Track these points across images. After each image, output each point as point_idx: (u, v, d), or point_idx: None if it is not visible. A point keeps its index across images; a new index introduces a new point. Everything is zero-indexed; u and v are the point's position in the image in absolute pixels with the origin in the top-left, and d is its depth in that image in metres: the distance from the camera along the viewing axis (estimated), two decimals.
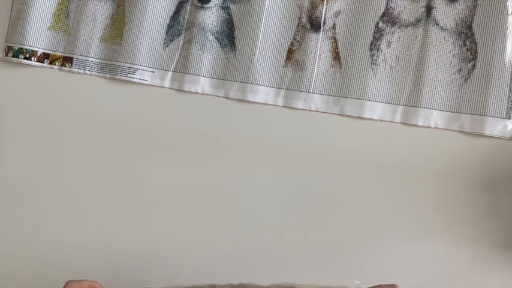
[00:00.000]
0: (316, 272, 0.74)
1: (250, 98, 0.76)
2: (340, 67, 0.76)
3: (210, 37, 0.78)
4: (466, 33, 0.73)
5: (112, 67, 0.79)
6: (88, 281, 0.64)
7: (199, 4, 0.78)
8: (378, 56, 0.75)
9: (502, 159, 0.71)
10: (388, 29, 0.75)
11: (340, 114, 0.75)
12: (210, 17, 0.78)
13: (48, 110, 0.79)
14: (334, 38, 0.76)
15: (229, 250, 0.74)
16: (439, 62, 0.73)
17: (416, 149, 0.73)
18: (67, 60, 0.79)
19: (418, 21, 0.74)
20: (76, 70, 0.79)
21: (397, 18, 0.75)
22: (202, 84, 0.77)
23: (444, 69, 0.73)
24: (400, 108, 0.74)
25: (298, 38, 0.77)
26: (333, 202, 0.74)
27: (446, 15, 0.73)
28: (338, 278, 0.73)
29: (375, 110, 0.74)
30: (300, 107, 0.76)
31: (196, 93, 0.77)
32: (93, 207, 0.77)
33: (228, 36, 0.78)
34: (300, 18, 0.77)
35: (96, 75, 0.79)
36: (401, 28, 0.75)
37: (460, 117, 0.72)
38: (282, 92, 0.76)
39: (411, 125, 0.73)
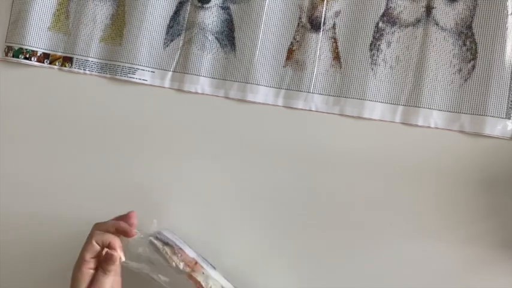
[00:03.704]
0: (315, 272, 0.74)
1: (250, 98, 0.76)
2: (340, 67, 0.76)
3: (210, 37, 0.78)
4: (466, 33, 0.73)
5: (112, 67, 0.79)
6: (112, 221, 0.66)
7: (199, 4, 0.78)
8: (377, 56, 0.75)
9: (502, 159, 0.71)
10: (388, 29, 0.75)
11: (340, 114, 0.75)
12: (210, 17, 0.78)
13: (48, 110, 0.79)
14: (334, 38, 0.76)
15: (228, 249, 0.74)
16: (439, 62, 0.73)
17: (416, 149, 0.73)
18: (67, 60, 0.79)
19: (418, 21, 0.74)
20: (76, 70, 0.79)
21: (397, 18, 0.75)
22: (202, 84, 0.77)
23: (444, 69, 0.73)
24: (400, 108, 0.74)
25: (298, 38, 0.77)
26: (332, 202, 0.74)
27: (446, 15, 0.73)
28: (337, 278, 0.73)
29: (375, 110, 0.74)
30: (300, 107, 0.76)
31: (196, 93, 0.77)
32: (93, 207, 0.77)
33: (228, 36, 0.78)
34: (300, 18, 0.77)
35: (96, 75, 0.79)
36: (401, 28, 0.75)
37: (460, 117, 0.72)
38: (282, 92, 0.76)
39: (411, 125, 0.73)
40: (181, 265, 0.67)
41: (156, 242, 0.68)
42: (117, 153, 0.78)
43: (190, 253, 0.69)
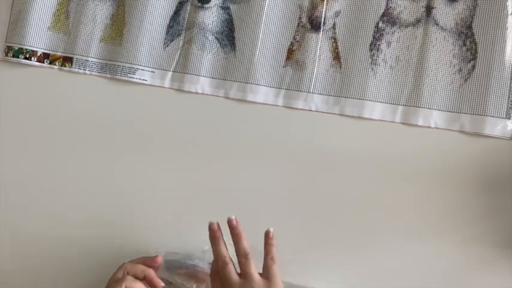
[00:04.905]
0: (315, 272, 0.74)
1: (250, 98, 0.76)
2: (340, 67, 0.76)
3: (210, 37, 0.78)
4: (466, 33, 0.73)
5: (112, 67, 0.79)
6: (142, 267, 0.65)
7: (199, 4, 0.78)
8: (377, 56, 0.75)
9: (502, 159, 0.71)
10: (388, 29, 0.75)
11: (340, 114, 0.75)
12: (210, 17, 0.78)
13: (48, 110, 0.79)
14: (334, 38, 0.76)
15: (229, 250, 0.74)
16: (439, 62, 0.73)
17: (416, 149, 0.73)
18: (67, 60, 0.79)
19: (418, 21, 0.74)
20: (76, 70, 0.79)
21: (397, 18, 0.75)
22: (202, 84, 0.77)
23: (444, 69, 0.73)
24: (400, 108, 0.74)
25: (298, 38, 0.77)
26: (332, 202, 0.74)
27: (446, 15, 0.73)
28: (338, 278, 0.73)
29: (375, 110, 0.74)
30: (300, 107, 0.76)
31: (196, 93, 0.77)
32: (93, 207, 0.77)
33: (228, 36, 0.78)
34: (300, 18, 0.77)
35: (96, 75, 0.79)
36: (401, 28, 0.75)
37: (460, 117, 0.72)
38: (282, 92, 0.76)
39: (411, 125, 0.73)
40: (194, 286, 0.68)
41: (164, 274, 0.68)
42: (117, 152, 0.78)
43: (203, 264, 0.69)
